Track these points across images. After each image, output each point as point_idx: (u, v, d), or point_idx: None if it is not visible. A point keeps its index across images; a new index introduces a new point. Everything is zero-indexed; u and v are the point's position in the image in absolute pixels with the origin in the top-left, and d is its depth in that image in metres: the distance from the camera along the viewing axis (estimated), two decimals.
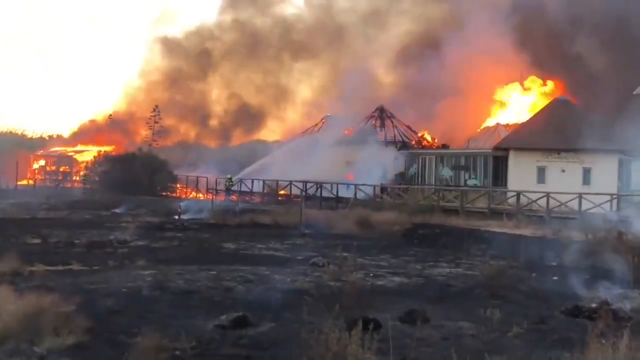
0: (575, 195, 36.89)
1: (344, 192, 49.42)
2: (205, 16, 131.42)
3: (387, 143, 59.36)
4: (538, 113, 52.61)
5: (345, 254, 16.68)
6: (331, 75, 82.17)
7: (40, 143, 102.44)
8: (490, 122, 67.39)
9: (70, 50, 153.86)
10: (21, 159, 78.50)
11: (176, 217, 37.11)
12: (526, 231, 31.49)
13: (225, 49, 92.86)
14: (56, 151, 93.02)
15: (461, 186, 48.70)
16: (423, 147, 60.21)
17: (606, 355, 8.43)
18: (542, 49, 67.21)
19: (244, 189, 57.38)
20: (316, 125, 68.19)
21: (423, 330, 10.68)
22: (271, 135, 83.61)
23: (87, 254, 20.91)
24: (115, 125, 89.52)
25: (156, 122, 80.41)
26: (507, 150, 48.12)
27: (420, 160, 55.63)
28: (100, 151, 78.53)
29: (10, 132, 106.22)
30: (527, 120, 53.59)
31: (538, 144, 46.08)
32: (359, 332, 8.71)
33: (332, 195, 49.44)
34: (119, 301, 13.52)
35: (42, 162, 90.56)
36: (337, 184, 50.63)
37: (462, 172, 52.79)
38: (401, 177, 55.28)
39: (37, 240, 24.53)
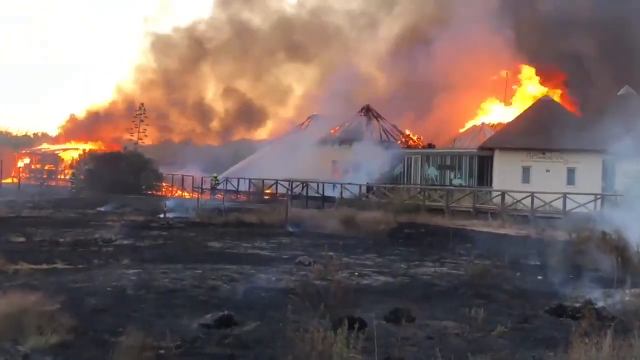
0: (559, 195, 37.10)
1: (330, 191, 49.45)
2: (196, 13, 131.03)
3: (373, 142, 59.40)
4: (523, 113, 52.86)
5: (330, 253, 16.70)
6: (318, 74, 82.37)
7: (25, 141, 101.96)
8: (476, 122, 67.72)
9: (58, 48, 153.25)
10: (6, 157, 77.98)
11: (161, 215, 36.99)
12: (511, 231, 31.65)
13: (216, 47, 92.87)
14: (41, 149, 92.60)
15: (446, 186, 48.85)
16: (409, 147, 60.36)
17: (590, 354, 8.48)
18: (532, 47, 67.53)
19: (229, 187, 57.29)
20: (302, 124, 68.20)
21: (408, 329, 10.71)
22: (260, 134, 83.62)
23: (71, 253, 20.81)
24: (101, 123, 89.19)
25: (141, 121, 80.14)
26: (492, 150, 48.30)
27: (406, 160, 55.77)
28: (85, 149, 78.23)
29: None
30: (512, 120, 53.86)
31: (523, 144, 46.28)
32: (344, 331, 8.73)
33: (318, 194, 49.46)
34: (103, 300, 13.47)
35: (27, 160, 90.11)
36: (323, 183, 50.66)
37: (448, 172, 52.96)
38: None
39: (21, 239, 24.38)
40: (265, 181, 54.50)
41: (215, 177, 58.82)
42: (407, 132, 64.31)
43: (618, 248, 18.02)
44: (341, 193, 48.14)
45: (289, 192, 49.33)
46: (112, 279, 15.89)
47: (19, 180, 75.52)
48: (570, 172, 45.07)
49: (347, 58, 77.57)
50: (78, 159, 75.48)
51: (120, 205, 42.90)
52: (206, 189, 58.51)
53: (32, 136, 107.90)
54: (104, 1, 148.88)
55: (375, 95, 66.32)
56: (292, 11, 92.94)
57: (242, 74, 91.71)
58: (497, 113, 67.72)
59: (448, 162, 53.42)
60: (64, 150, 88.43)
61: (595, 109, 53.74)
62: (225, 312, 11.82)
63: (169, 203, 42.21)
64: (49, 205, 42.78)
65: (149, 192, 63.35)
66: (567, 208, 36.05)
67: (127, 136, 78.90)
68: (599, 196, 37.28)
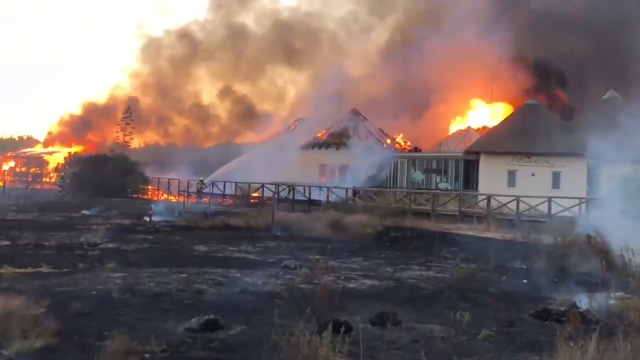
0: (544, 199, 37.26)
1: (317, 195, 49.45)
2: (190, 16, 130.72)
3: (360, 146, 59.48)
4: (508, 117, 53.09)
5: (317, 257, 16.68)
6: (308, 77, 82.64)
7: (11, 144, 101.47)
8: (462, 126, 68.02)
9: (44, 50, 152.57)
10: None
11: (147, 219, 36.87)
12: (496, 234, 31.79)
13: (209, 50, 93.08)
14: (26, 152, 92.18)
15: (433, 189, 48.96)
16: (395, 150, 60.47)
17: (575, 358, 8.52)
18: (521, 50, 67.95)
19: (216, 191, 57.16)
20: (289, 127, 68.24)
21: (393, 332, 10.74)
22: (248, 137, 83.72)
23: (56, 256, 20.70)
24: (90, 125, 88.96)
25: (128, 124, 79.94)
26: (478, 153, 48.44)
27: (392, 163, 55.85)
28: (70, 152, 77.92)
29: None
30: (498, 124, 54.09)
31: (508, 147, 46.44)
32: (330, 335, 8.73)
33: (305, 198, 49.45)
34: (88, 304, 13.42)
35: (12, 164, 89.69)
36: (310, 186, 50.66)
37: (434, 175, 53.10)
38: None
39: (5, 242, 24.21)
40: (251, 184, 54.43)
41: (202, 181, 58.70)
42: (395, 135, 64.44)
43: (602, 252, 18.10)
44: (327, 196, 48.18)
45: (276, 196, 49.30)
46: (97, 283, 15.83)
47: (4, 183, 75.12)
48: (556, 176, 45.27)
49: (337, 61, 77.78)
50: (64, 162, 75.15)
51: (105, 209, 42.71)
52: (192, 192, 58.39)
53: (17, 139, 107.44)
54: (97, 3, 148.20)
55: (363, 99, 66.53)
56: (285, 14, 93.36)
57: (235, 77, 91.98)
58: (482, 115, 68.06)
59: (434, 166, 53.56)
60: (50, 153, 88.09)
61: (581, 113, 54.14)
62: (211, 316, 11.79)
63: (155, 206, 42.08)
64: (34, 209, 42.51)
65: (135, 195, 63.17)
66: (552, 212, 36.22)
67: (115, 138, 78.81)
68: (584, 200, 37.46)
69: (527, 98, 57.09)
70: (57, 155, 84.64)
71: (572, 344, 8.84)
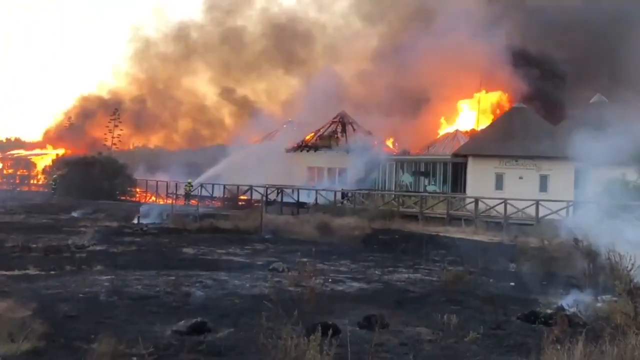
0: (532, 202, 37.37)
1: (305, 197, 49.45)
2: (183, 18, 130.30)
3: (348, 149, 59.53)
4: (496, 120, 53.29)
5: (305, 260, 16.70)
6: (297, 81, 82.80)
7: None
8: (449, 129, 68.17)
9: (33, 51, 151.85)
10: None
11: (135, 221, 36.77)
12: (484, 237, 31.86)
13: (201, 51, 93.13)
14: (13, 154, 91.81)
15: (421, 192, 49.02)
16: (383, 153, 60.48)
17: None
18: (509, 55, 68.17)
19: (204, 193, 57.06)
20: (277, 130, 68.20)
21: (381, 335, 10.74)
22: (236, 140, 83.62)
23: (44, 259, 20.62)
24: (76, 128, 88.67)
25: (116, 126, 79.80)
26: (465, 156, 48.53)
27: (380, 166, 55.91)
28: (58, 154, 77.64)
29: None
30: (486, 127, 54.26)
31: (496, 150, 46.55)
32: (318, 338, 8.73)
33: (293, 201, 49.43)
34: (76, 306, 13.37)
35: None
36: (298, 189, 50.67)
37: (422, 178, 53.19)
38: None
39: None
40: (240, 187, 54.35)
41: (190, 183, 58.58)
42: (383, 138, 64.41)
43: (590, 255, 18.17)
44: (316, 199, 48.21)
45: (264, 198, 49.27)
46: (85, 285, 15.78)
47: None
48: (543, 179, 45.43)
49: (327, 64, 77.94)
50: (51, 164, 74.89)
51: (93, 211, 42.60)
52: (181, 194, 58.27)
53: (4, 141, 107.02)
54: (91, 4, 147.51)
55: (352, 102, 66.54)
56: (278, 17, 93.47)
57: (227, 79, 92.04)
58: (470, 118, 68.30)
59: (422, 169, 53.66)
60: (38, 155, 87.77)
61: (569, 116, 54.38)
62: (199, 319, 11.77)
63: (143, 209, 41.97)
64: (21, 211, 42.34)
65: (123, 197, 63.01)
66: (540, 215, 36.32)
67: (102, 140, 78.63)
68: (571, 203, 37.58)
69: (517, 98, 57.47)
70: (45, 158, 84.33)
71: (559, 347, 8.88)
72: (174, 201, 50.95)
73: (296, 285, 15.58)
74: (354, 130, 62.10)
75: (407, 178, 53.86)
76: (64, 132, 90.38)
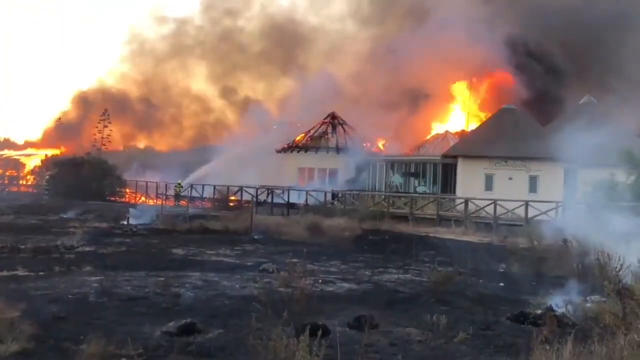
0: (521, 203, 37.47)
1: (296, 198, 49.47)
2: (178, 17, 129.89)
3: (339, 149, 59.62)
4: (486, 121, 53.43)
5: (295, 260, 16.68)
6: (290, 81, 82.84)
7: None
8: (439, 130, 68.36)
9: (26, 51, 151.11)
10: None
11: (124, 222, 36.67)
12: (474, 238, 31.97)
13: (196, 52, 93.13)
14: (2, 154, 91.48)
15: (411, 193, 49.12)
16: (374, 154, 60.60)
17: None
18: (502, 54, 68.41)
19: (194, 194, 56.99)
20: (268, 130, 68.21)
21: (371, 336, 10.74)
22: (227, 140, 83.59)
23: (32, 260, 20.53)
24: (66, 129, 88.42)
25: (105, 126, 79.58)
26: (455, 157, 48.69)
27: (370, 167, 56.00)
28: (47, 155, 77.40)
29: None
30: (476, 128, 54.48)
31: (486, 151, 46.72)
32: (307, 339, 8.73)
33: (284, 201, 49.44)
34: (64, 307, 13.32)
35: None
36: (289, 189, 50.67)
37: (412, 179, 53.31)
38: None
39: None
40: (230, 188, 54.30)
41: (180, 184, 58.49)
42: (373, 139, 64.50)
43: (578, 255, 18.25)
44: (306, 200, 48.23)
45: (254, 199, 49.26)
46: (74, 286, 15.72)
47: None
48: (532, 179, 45.63)
49: (320, 65, 77.98)
50: (41, 165, 74.65)
51: (82, 212, 42.47)
52: (170, 195, 58.18)
53: None
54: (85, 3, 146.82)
55: (342, 102, 66.55)
56: (274, 19, 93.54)
57: (219, 79, 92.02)
58: (460, 119, 68.53)
59: (412, 170, 53.78)
60: (27, 155, 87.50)
61: (558, 117, 54.58)
62: (188, 320, 11.74)
63: (133, 210, 41.88)
64: (10, 211, 42.16)
65: (113, 198, 62.86)
66: (529, 215, 36.44)
67: (92, 140, 78.40)
68: (560, 204, 37.71)
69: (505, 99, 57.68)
70: (35, 158, 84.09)
71: (548, 347, 8.90)
72: (163, 202, 50.88)
73: (286, 286, 15.57)
74: (344, 131, 62.19)
75: (397, 179, 53.99)
76: (53, 133, 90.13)
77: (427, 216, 40.39)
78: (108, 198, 62.00)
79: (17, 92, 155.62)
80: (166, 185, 59.42)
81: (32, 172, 78.75)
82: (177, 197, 57.56)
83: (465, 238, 32.00)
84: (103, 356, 9.37)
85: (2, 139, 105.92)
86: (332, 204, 47.78)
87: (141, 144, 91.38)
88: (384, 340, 11.36)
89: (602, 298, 13.80)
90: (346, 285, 17.77)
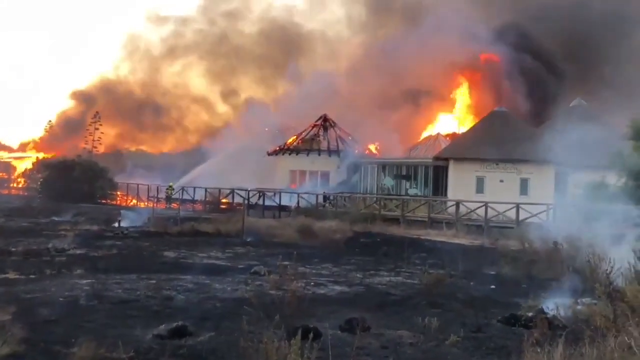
0: (512, 205, 37.57)
1: (287, 201, 49.46)
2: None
3: (330, 152, 59.64)
4: (477, 124, 53.54)
5: (286, 263, 16.68)
6: (280, 84, 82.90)
7: None
8: (431, 132, 68.49)
9: (18, 51, 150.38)
10: None
11: (116, 225, 36.57)
12: (465, 240, 32.04)
13: (191, 53, 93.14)
14: None
15: (402, 195, 49.17)
16: (365, 156, 60.65)
17: None
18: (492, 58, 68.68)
19: (185, 196, 56.90)
20: (260, 133, 68.18)
21: (363, 339, 10.75)
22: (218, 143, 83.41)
23: (23, 263, 20.46)
24: (57, 132, 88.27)
25: (96, 129, 79.44)
26: (447, 160, 48.77)
27: (362, 169, 56.04)
28: (38, 158, 77.16)
29: None
30: (467, 131, 54.57)
31: (477, 154, 46.84)
32: (299, 341, 8.73)
33: (275, 204, 49.43)
34: (55, 310, 13.28)
35: None
36: (280, 192, 50.66)
37: (404, 182, 53.37)
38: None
39: None
40: (221, 190, 54.24)
41: (171, 186, 58.40)
42: (365, 141, 64.55)
43: (569, 257, 18.30)
44: (298, 202, 48.22)
45: (246, 201, 49.23)
46: (65, 289, 15.68)
47: None
48: (523, 182, 45.75)
49: (312, 67, 78.01)
50: (32, 167, 74.42)
51: (74, 214, 42.34)
52: (162, 198, 58.07)
53: None
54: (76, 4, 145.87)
55: (333, 105, 66.58)
56: (270, 20, 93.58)
57: (213, 80, 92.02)
58: (452, 122, 68.73)
59: (404, 172, 53.83)
60: (18, 158, 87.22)
61: (549, 119, 54.78)
62: (180, 323, 11.73)
63: (124, 212, 41.79)
64: (1, 214, 42.00)
65: (104, 201, 62.70)
66: (520, 218, 36.53)
67: (84, 143, 78.28)
68: (551, 206, 37.83)
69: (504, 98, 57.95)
70: (26, 160, 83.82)
71: (539, 350, 8.92)
72: (155, 204, 50.78)
73: (277, 289, 15.56)
74: (336, 133, 62.22)
75: (388, 181, 54.02)
76: (46, 136, 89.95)
77: (419, 219, 40.45)
78: (99, 200, 61.84)
79: (8, 93, 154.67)
80: (157, 187, 59.29)
81: (23, 174, 78.42)
82: (169, 199, 57.47)
83: (456, 240, 32.06)
84: (94, 359, 9.34)
85: None
86: (324, 206, 47.79)
87: (133, 146, 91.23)
88: (376, 343, 11.36)
89: (593, 300, 13.85)
90: (337, 287, 17.78)
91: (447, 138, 62.75)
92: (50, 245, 25.02)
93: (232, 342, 10.56)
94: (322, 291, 17.04)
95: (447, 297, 16.01)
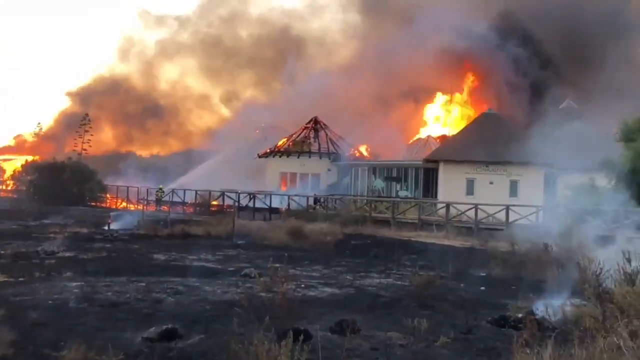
0: (502, 207, 37.66)
1: (278, 203, 49.45)
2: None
3: (321, 154, 59.66)
4: (467, 126, 53.70)
5: (276, 265, 16.67)
6: (275, 86, 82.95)
7: None
8: (422, 134, 68.64)
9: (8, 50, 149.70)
10: None
11: (105, 227, 36.48)
12: (455, 242, 32.09)
13: (186, 55, 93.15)
14: None
15: (392, 197, 49.24)
16: (356, 158, 60.74)
17: None
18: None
19: (175, 199, 56.76)
20: (251, 135, 68.25)
21: (353, 340, 10.76)
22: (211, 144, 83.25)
23: (12, 265, 20.37)
24: (47, 136, 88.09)
25: (86, 131, 79.27)
26: (437, 162, 48.86)
27: (353, 171, 56.09)
28: (27, 160, 76.89)
29: None
30: (457, 133, 54.71)
31: (467, 156, 46.95)
32: (289, 343, 8.72)
33: (266, 206, 49.40)
34: (44, 313, 13.23)
35: None
36: (271, 194, 50.63)
37: (394, 184, 53.45)
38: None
39: None
40: (212, 192, 54.17)
41: (161, 189, 58.28)
42: (356, 144, 64.64)
43: (559, 259, 18.36)
44: (288, 205, 48.22)
45: (236, 204, 49.20)
46: (54, 292, 15.62)
47: None
48: (513, 184, 45.89)
49: (304, 69, 78.06)
50: (20, 170, 74.16)
51: (63, 217, 42.20)
52: (152, 200, 57.94)
53: None
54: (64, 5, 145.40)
55: (325, 107, 66.63)
56: (265, 22, 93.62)
57: (210, 82, 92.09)
58: (442, 124, 68.94)
59: (394, 174, 53.91)
60: (6, 160, 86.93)
61: (538, 122, 54.96)
62: (170, 326, 11.70)
63: (114, 215, 41.68)
64: None
65: (93, 203, 62.52)
66: (510, 219, 36.62)
67: (73, 145, 78.13)
68: (540, 208, 37.96)
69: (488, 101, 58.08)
70: (15, 162, 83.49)
71: (528, 351, 8.94)
72: (145, 207, 50.66)
73: (268, 291, 15.54)
74: (327, 135, 62.28)
75: (379, 183, 54.10)
76: (36, 138, 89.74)
77: (409, 220, 40.50)
78: (89, 203, 61.67)
79: None
80: (147, 190, 59.16)
81: (12, 177, 78.05)
82: (159, 202, 57.35)
83: (446, 242, 32.11)
84: None
85: None
86: (314, 208, 47.81)
87: (127, 148, 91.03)
88: (366, 345, 11.37)
89: (582, 301, 13.90)
90: (328, 289, 17.78)
91: (438, 140, 62.88)
92: (39, 248, 24.90)
93: (223, 344, 10.55)
94: (312, 293, 17.04)
95: (437, 298, 16.03)
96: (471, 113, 67.45)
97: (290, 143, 62.21)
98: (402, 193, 51.76)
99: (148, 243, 29.12)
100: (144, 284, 17.06)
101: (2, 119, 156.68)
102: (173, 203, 55.04)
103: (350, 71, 72.85)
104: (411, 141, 67.93)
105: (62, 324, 12.42)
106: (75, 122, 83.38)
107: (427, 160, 50.24)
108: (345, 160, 58.33)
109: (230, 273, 20.22)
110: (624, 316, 9.72)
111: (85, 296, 15.22)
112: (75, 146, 78.36)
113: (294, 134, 63.22)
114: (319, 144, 61.24)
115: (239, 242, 30.36)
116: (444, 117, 71.48)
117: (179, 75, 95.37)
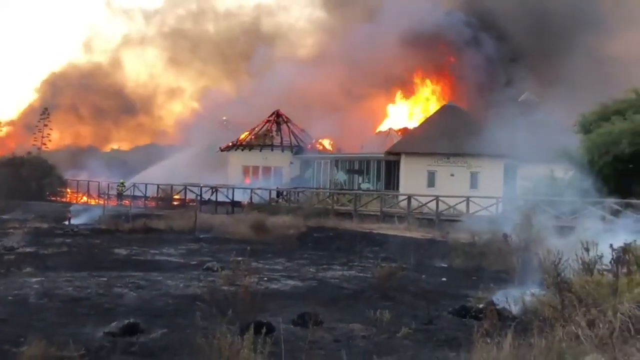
0: (463, 199, 38.00)
1: (240, 196, 49.31)
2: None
3: (283, 147, 59.60)
4: (428, 118, 54.06)
5: (239, 258, 16.66)
6: (239, 80, 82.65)
7: None
8: (383, 127, 68.90)
9: None
10: None
11: (66, 222, 36.10)
12: (416, 234, 32.30)
13: (151, 46, 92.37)
14: None
15: (355, 190, 49.40)
16: (318, 152, 60.77)
17: (491, 354, 8.72)
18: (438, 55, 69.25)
19: (137, 193, 56.28)
20: (214, 129, 67.91)
21: (315, 332, 10.80)
22: (170, 139, 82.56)
23: None
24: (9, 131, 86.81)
25: (45, 125, 78.22)
26: (398, 154, 49.12)
27: (315, 165, 56.14)
28: None
29: None
30: (418, 126, 55.05)
31: (428, 148, 47.28)
32: (252, 336, 8.74)
33: (228, 200, 49.22)
34: (4, 309, 13.08)
35: None
36: (233, 188, 50.46)
37: (356, 176, 53.61)
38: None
39: None
40: (174, 186, 53.81)
41: (122, 183, 57.73)
42: (317, 137, 64.67)
43: (518, 250, 18.59)
44: (251, 198, 48.13)
45: (198, 198, 48.95)
46: (14, 288, 15.44)
47: None
48: (473, 176, 46.33)
49: (264, 62, 77.70)
50: None
51: (22, 212, 41.67)
52: (113, 195, 57.38)
53: None
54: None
55: (286, 100, 66.52)
56: (232, 15, 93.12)
57: (167, 74, 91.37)
58: (403, 116, 69.26)
59: (356, 167, 54.09)
60: None
61: (498, 114, 55.47)
62: (131, 320, 11.64)
63: (74, 209, 41.24)
64: None
65: (53, 198, 61.76)
66: (470, 211, 36.97)
67: (32, 140, 77.08)
68: (500, 199, 38.36)
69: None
70: None
71: (489, 340, 9.05)
72: (106, 201, 50.18)
73: (230, 285, 15.52)
74: (289, 129, 62.22)
75: (341, 176, 54.24)
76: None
77: (371, 213, 40.67)
78: (49, 198, 60.93)
79: None
80: (108, 184, 58.58)
81: None
82: (120, 196, 56.83)
83: (408, 234, 32.31)
84: (44, 358, 9.23)
85: None
86: (277, 201, 47.79)
87: (89, 142, 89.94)
88: (328, 337, 11.43)
89: (541, 291, 14.11)
90: (291, 282, 17.82)
91: (399, 133, 63.17)
92: None
93: (185, 338, 10.54)
94: (275, 286, 17.06)
95: (399, 290, 16.16)
96: (433, 105, 67.86)
97: (253, 136, 62.05)
98: (364, 185, 51.97)
99: (109, 238, 28.90)
100: (105, 279, 16.95)
101: None
102: (135, 197, 54.58)
103: (316, 64, 72.85)
104: (373, 134, 68.19)
105: (22, 319, 12.29)
106: (37, 117, 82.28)
107: (388, 153, 50.47)
108: (308, 154, 58.34)
109: (193, 267, 20.16)
110: (582, 305, 9.87)
111: (46, 292, 15.07)
112: (34, 140, 77.25)
113: (256, 127, 63.04)
114: (282, 137, 61.16)
115: (202, 236, 30.28)
116: (407, 109, 71.80)
117: (146, 69, 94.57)
